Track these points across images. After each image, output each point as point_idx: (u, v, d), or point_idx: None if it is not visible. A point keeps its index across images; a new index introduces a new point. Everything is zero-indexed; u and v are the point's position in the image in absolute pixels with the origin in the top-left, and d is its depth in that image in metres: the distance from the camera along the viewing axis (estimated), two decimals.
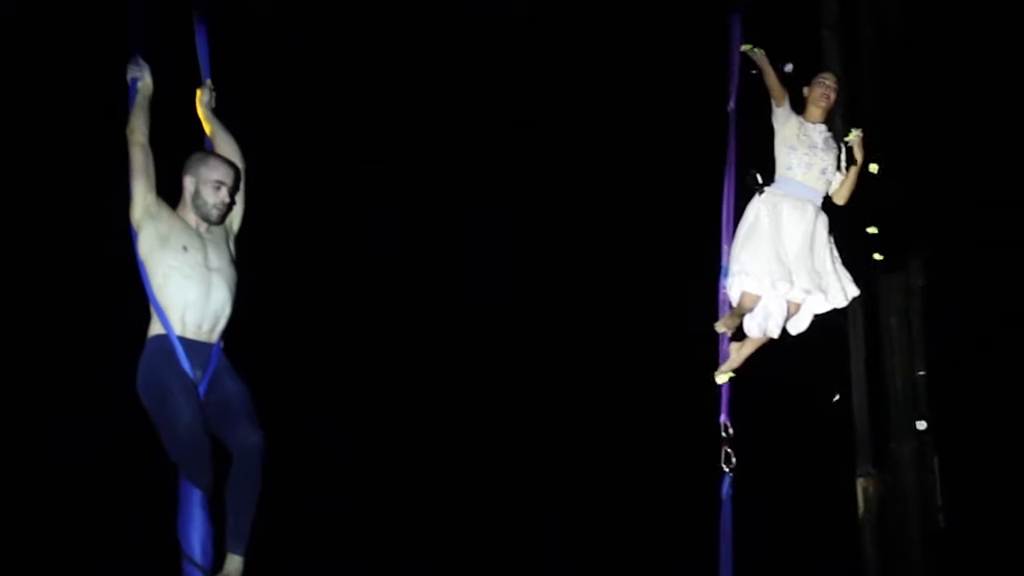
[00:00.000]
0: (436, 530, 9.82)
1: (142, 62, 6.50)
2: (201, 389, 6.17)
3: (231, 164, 6.44)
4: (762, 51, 6.93)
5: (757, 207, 7.00)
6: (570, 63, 9.55)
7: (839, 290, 7.08)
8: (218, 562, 6.12)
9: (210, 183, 6.37)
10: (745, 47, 6.98)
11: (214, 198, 6.37)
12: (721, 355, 7.17)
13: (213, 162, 6.42)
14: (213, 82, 6.75)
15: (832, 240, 7.11)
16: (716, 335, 7.17)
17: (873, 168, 7.03)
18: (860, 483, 9.67)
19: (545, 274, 9.61)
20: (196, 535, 6.12)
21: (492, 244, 9.60)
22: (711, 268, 7.06)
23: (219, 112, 6.72)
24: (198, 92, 6.75)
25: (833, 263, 7.09)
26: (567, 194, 9.56)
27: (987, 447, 9.78)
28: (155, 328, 6.24)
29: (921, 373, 9.71)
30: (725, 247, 7.13)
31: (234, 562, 6.12)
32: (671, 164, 9.02)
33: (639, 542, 9.97)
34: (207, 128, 6.73)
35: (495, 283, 9.62)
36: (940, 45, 9.38)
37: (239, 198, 6.55)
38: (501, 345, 9.67)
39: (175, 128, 6.59)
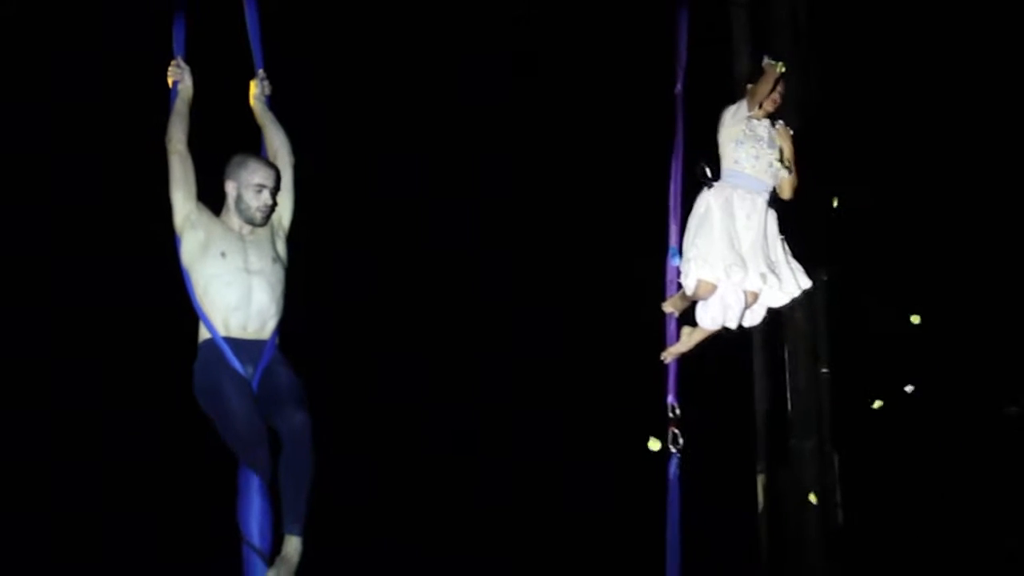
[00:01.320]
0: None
1: (183, 64, 6.46)
2: (254, 384, 6.26)
3: (271, 165, 6.44)
4: (783, 67, 6.86)
5: (707, 199, 6.96)
6: (518, 42, 9.45)
7: (792, 281, 7.06)
8: (277, 547, 6.20)
9: (252, 187, 6.36)
10: (776, 65, 6.87)
11: (256, 201, 6.36)
12: (668, 336, 7.09)
13: (253, 165, 6.40)
14: (266, 72, 6.69)
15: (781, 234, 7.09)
16: (663, 315, 7.09)
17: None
18: (760, 479, 9.71)
19: (493, 250, 9.45)
20: (255, 521, 6.19)
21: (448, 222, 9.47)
22: (659, 246, 6.98)
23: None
24: (251, 84, 6.69)
25: (785, 254, 7.07)
26: (517, 171, 9.43)
27: (886, 446, 9.84)
28: (203, 333, 6.33)
29: (824, 371, 9.76)
30: (673, 227, 7.06)
31: (292, 543, 6.18)
32: (620, 143, 8.95)
33: (586, 523, 9.88)
34: (260, 122, 6.69)
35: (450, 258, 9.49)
36: (856, 26, 9.42)
37: (287, 195, 6.54)
38: (452, 318, 9.53)
39: (226, 125, 6.61)
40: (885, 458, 9.85)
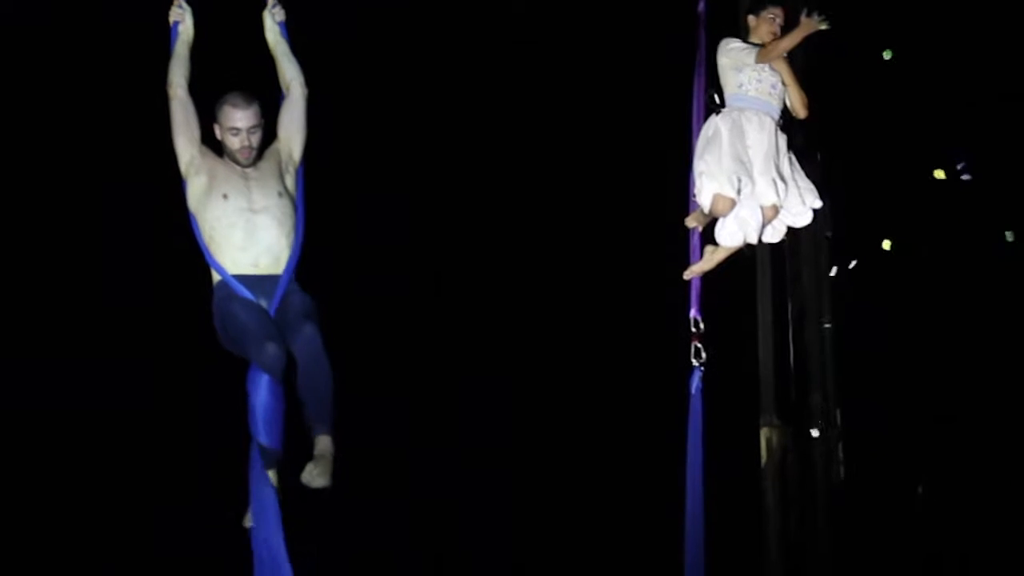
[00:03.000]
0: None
1: (185, 5, 6.54)
2: (271, 312, 6.34)
3: (248, 106, 6.44)
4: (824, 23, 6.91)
5: (715, 122, 7.08)
6: None
7: (800, 202, 7.16)
8: (288, 449, 6.32)
9: (228, 130, 6.46)
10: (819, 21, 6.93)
11: (234, 144, 6.44)
12: (692, 252, 7.19)
13: (226, 108, 6.45)
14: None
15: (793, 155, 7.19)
16: (687, 231, 7.19)
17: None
18: (763, 433, 9.75)
19: (517, 167, 9.49)
20: (261, 417, 6.24)
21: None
22: (682, 164, 7.09)
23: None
24: (264, 14, 6.77)
25: (796, 173, 7.17)
26: (540, 87, 9.48)
27: (890, 403, 9.90)
28: (216, 276, 6.46)
29: (827, 325, 9.82)
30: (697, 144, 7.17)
31: (323, 442, 6.24)
32: (642, 63, 9.01)
33: (607, 437, 9.90)
34: (273, 54, 6.78)
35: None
36: None
37: (298, 128, 6.63)
38: (478, 239, 9.56)
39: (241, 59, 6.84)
40: (889, 416, 9.83)
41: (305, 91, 6.75)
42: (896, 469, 9.84)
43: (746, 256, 7.42)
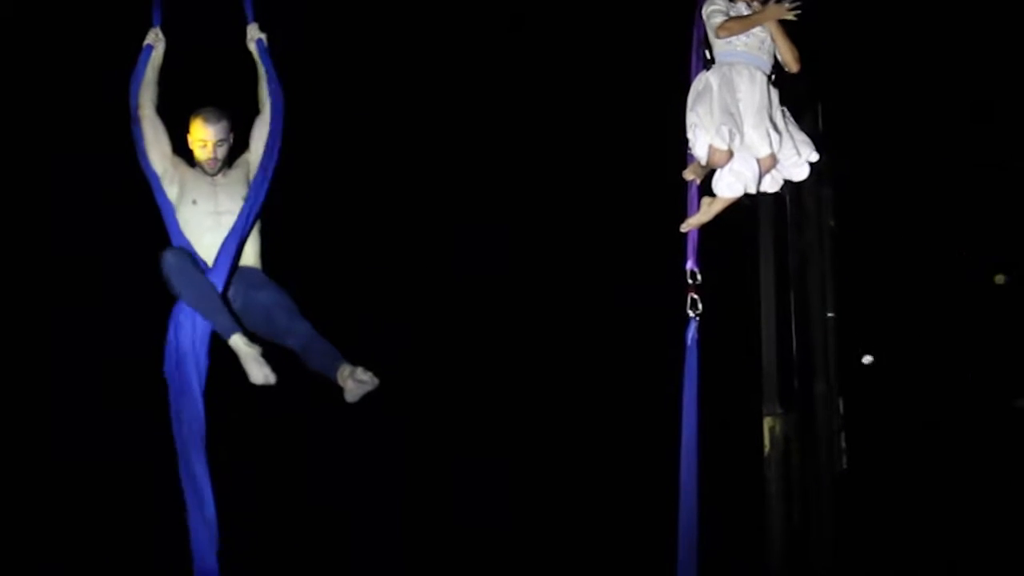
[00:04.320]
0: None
1: (161, 34, 6.99)
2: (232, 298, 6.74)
3: (217, 121, 6.92)
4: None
5: (705, 77, 7.08)
6: None
7: (795, 153, 7.14)
8: None
9: (197, 142, 6.94)
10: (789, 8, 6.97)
11: (202, 155, 6.92)
12: (689, 204, 7.20)
13: (196, 122, 6.94)
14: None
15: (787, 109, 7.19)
16: (685, 183, 7.20)
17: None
18: (766, 422, 9.73)
19: (517, 127, 9.54)
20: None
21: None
22: (679, 119, 7.11)
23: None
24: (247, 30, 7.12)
25: (790, 125, 7.16)
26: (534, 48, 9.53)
27: (891, 389, 9.89)
28: None
29: (830, 315, 9.84)
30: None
31: (344, 369, 6.71)
32: (639, 18, 9.04)
33: (603, 390, 9.88)
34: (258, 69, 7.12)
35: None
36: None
37: (258, 143, 6.99)
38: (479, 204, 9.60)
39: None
40: (891, 403, 9.82)
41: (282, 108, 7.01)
42: (898, 458, 9.79)
43: (746, 206, 7.39)
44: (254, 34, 7.11)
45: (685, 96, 7.13)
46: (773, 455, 9.61)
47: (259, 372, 6.53)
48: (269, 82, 7.04)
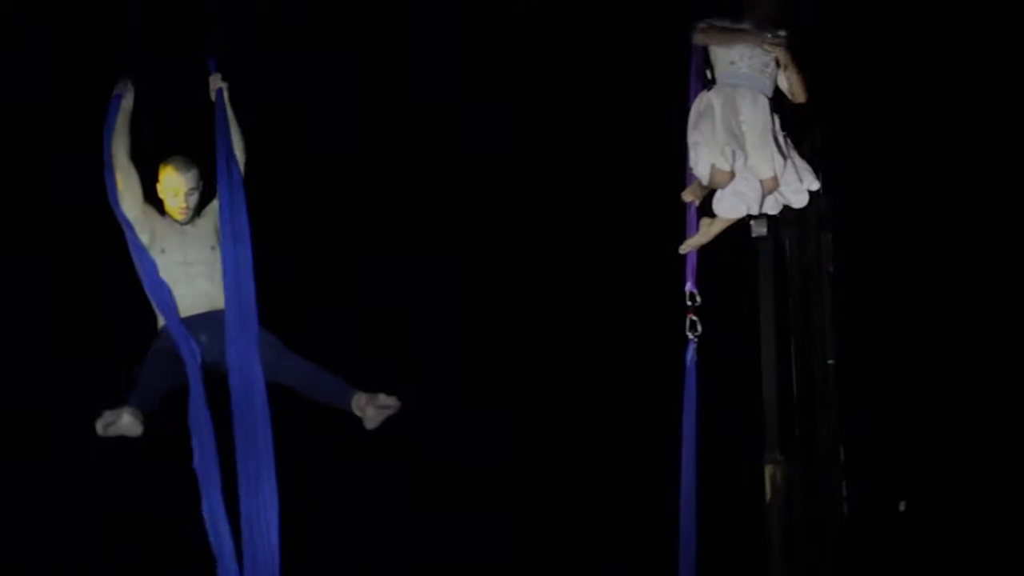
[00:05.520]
0: None
1: (131, 85, 7.19)
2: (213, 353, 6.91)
3: (187, 171, 7.15)
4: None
5: (707, 97, 7.14)
6: None
7: (797, 179, 7.18)
8: None
9: (167, 191, 7.16)
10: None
11: (172, 204, 7.14)
12: (689, 226, 7.23)
13: (167, 171, 7.18)
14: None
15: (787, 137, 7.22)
16: (684, 205, 7.23)
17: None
18: (768, 470, 9.65)
19: (513, 143, 9.54)
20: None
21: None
22: (678, 139, 7.14)
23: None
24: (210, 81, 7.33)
25: (790, 151, 7.20)
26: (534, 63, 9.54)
27: (893, 435, 9.83)
28: (160, 320, 7.10)
29: (830, 362, 9.77)
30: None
31: (359, 397, 6.96)
32: (638, 37, 9.06)
33: (603, 409, 9.81)
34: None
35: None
36: None
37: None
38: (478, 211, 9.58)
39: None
40: (892, 449, 9.76)
41: (243, 156, 7.25)
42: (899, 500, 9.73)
43: (744, 252, 7.40)
44: (216, 84, 7.26)
45: (683, 116, 7.16)
46: (775, 502, 9.54)
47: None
48: (220, 131, 7.16)
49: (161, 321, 7.04)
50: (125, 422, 6.78)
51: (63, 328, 9.48)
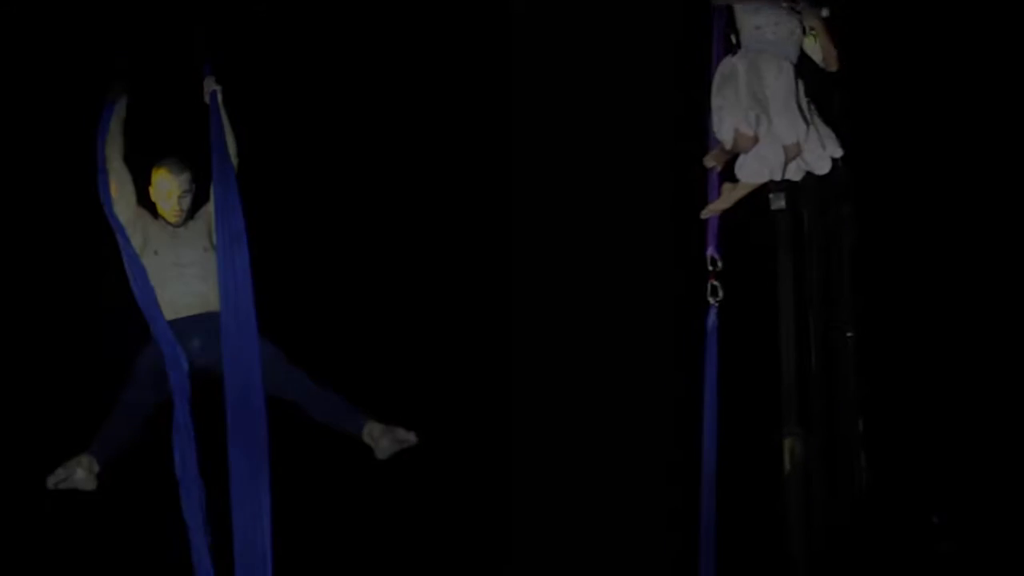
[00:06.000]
0: None
1: (124, 91, 7.20)
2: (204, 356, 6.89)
3: (180, 173, 7.18)
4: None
5: (732, 62, 7.11)
6: None
7: (820, 146, 7.15)
8: None
9: (160, 194, 7.18)
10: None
11: (165, 207, 7.15)
12: (710, 190, 7.21)
13: (160, 173, 7.21)
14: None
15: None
16: (705, 170, 7.21)
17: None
18: (787, 443, 9.62)
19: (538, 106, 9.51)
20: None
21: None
22: (701, 103, 7.11)
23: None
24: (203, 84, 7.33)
25: (813, 118, 7.18)
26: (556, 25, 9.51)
27: (912, 408, 9.80)
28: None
29: (849, 334, 9.75)
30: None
31: (373, 428, 6.91)
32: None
33: (624, 374, 9.78)
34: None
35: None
36: None
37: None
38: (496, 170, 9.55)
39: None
40: (911, 422, 9.73)
41: (235, 160, 7.22)
42: (921, 478, 9.69)
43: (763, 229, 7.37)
44: (209, 87, 7.27)
45: (707, 83, 7.14)
46: (794, 476, 9.50)
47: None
48: (214, 134, 7.15)
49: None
50: (79, 477, 6.79)
51: (60, 330, 9.39)
